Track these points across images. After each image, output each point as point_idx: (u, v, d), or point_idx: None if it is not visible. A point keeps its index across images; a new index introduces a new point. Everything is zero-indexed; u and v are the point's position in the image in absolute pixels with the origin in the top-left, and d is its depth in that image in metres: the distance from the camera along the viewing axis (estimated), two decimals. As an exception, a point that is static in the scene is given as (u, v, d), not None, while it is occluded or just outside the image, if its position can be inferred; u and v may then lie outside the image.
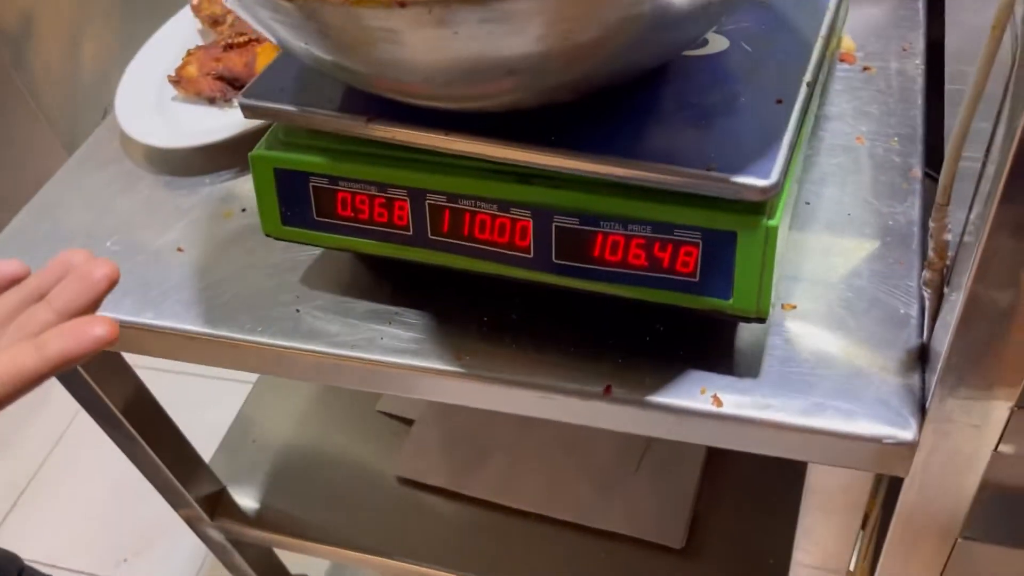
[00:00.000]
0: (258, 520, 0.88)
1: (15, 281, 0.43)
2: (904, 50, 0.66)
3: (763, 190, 0.43)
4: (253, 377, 1.52)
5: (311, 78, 0.52)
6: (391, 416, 0.95)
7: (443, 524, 0.86)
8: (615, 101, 0.47)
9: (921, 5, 0.70)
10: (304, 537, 0.87)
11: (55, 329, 0.39)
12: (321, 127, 0.51)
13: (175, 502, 0.87)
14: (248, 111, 0.52)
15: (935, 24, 0.69)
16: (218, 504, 0.89)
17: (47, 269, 0.43)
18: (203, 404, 1.32)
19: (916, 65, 0.65)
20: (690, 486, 0.83)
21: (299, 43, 0.41)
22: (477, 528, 0.86)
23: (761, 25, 0.51)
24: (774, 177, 0.43)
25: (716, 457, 0.86)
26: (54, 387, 1.60)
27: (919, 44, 0.67)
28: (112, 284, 0.42)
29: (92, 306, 0.41)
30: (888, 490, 0.55)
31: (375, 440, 0.93)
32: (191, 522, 0.89)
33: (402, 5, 0.34)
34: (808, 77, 0.48)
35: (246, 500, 0.89)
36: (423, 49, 0.38)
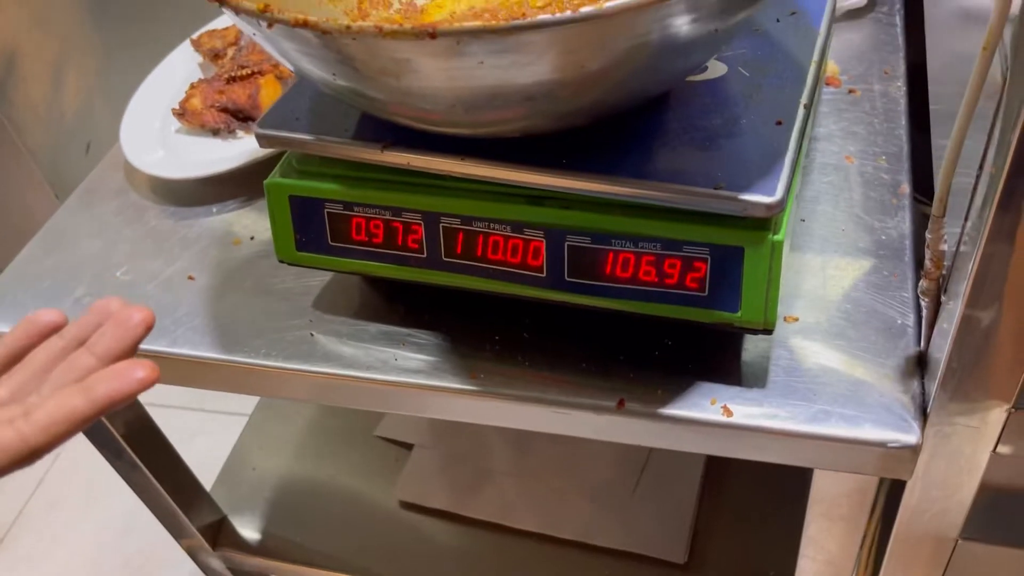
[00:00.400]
0: (260, 548, 0.88)
1: (55, 329, 0.44)
2: (886, 73, 0.69)
3: (769, 207, 0.45)
4: (242, 409, 1.53)
5: (325, 107, 0.54)
6: (390, 441, 0.96)
7: (445, 546, 0.87)
8: (622, 125, 0.49)
9: (899, 31, 0.73)
10: (307, 564, 0.87)
11: (100, 373, 0.40)
12: (337, 155, 0.52)
13: (177, 532, 0.87)
14: (264, 140, 0.54)
15: (912, 47, 0.73)
16: (220, 533, 0.89)
17: (85, 317, 0.44)
18: (192, 436, 1.32)
19: (898, 87, 0.68)
20: (689, 502, 0.85)
21: (325, 74, 0.43)
22: (479, 549, 0.86)
23: (757, 51, 0.54)
24: (779, 194, 0.45)
25: (713, 473, 0.87)
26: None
27: (899, 67, 0.70)
28: (148, 328, 0.43)
29: (131, 350, 0.43)
30: (887, 499, 0.57)
31: (374, 465, 0.94)
32: (192, 552, 0.89)
33: (432, 36, 0.36)
34: (805, 99, 0.50)
35: (247, 529, 0.90)
36: (449, 78, 0.40)
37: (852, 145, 0.64)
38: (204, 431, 1.51)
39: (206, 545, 0.87)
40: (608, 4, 0.36)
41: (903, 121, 0.65)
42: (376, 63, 0.40)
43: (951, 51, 0.62)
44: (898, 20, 0.74)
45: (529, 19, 0.36)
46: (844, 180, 0.62)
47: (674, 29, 0.39)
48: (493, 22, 0.36)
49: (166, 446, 0.81)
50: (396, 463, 0.93)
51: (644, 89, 0.46)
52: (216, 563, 0.89)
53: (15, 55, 1.48)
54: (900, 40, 0.72)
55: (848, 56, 0.71)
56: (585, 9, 0.36)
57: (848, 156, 0.63)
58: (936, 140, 0.60)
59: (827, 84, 0.68)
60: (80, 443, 1.57)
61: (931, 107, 0.62)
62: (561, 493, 0.87)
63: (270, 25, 0.39)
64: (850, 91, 0.68)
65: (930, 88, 0.64)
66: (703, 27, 0.41)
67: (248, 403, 1.51)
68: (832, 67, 0.69)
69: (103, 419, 0.73)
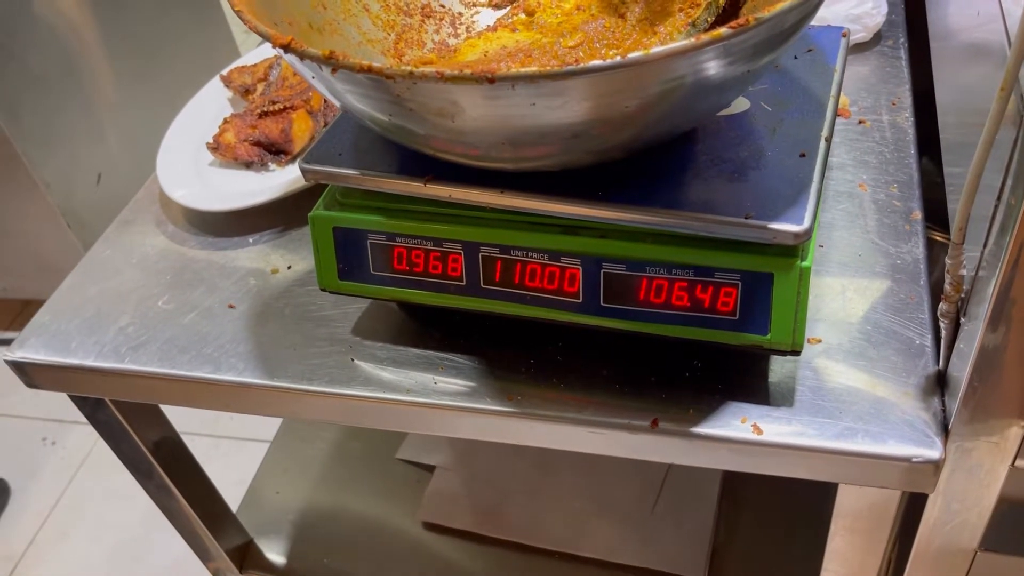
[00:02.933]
0: (286, 571, 0.89)
1: None
2: (893, 104, 0.73)
3: (797, 235, 0.47)
4: (254, 435, 1.54)
5: (367, 142, 0.57)
6: (411, 463, 0.98)
7: (468, 566, 0.89)
8: (655, 158, 0.52)
9: (904, 63, 0.77)
10: (332, 585, 0.89)
11: None
12: (381, 188, 0.55)
13: (204, 555, 0.88)
14: (310, 175, 0.56)
15: (917, 78, 0.76)
16: (246, 556, 0.90)
17: None
18: (206, 462, 1.33)
19: (906, 118, 0.71)
20: (707, 519, 0.87)
21: (381, 114, 0.45)
22: (502, 569, 0.88)
23: (777, 87, 0.57)
24: (806, 223, 0.47)
25: (730, 490, 0.89)
26: (48, 457, 1.60)
27: (906, 98, 0.73)
28: None
29: None
30: (908, 512, 0.59)
31: (396, 487, 0.96)
32: (219, 575, 0.90)
33: (491, 81, 0.39)
34: (825, 132, 0.53)
35: (273, 552, 0.91)
36: (501, 117, 0.42)
37: (865, 173, 0.67)
38: (218, 456, 1.53)
39: (233, 567, 0.88)
40: (654, 49, 0.39)
41: (912, 150, 0.68)
42: (434, 105, 0.42)
43: (959, 84, 0.65)
44: (903, 53, 0.78)
45: (581, 65, 0.39)
46: (859, 207, 0.64)
47: (711, 71, 0.42)
48: (548, 67, 0.39)
49: (197, 469, 0.83)
50: (418, 485, 0.95)
51: (679, 125, 0.49)
52: (242, 586, 0.91)
53: (28, 85, 1.50)
54: (905, 72, 0.76)
55: (857, 88, 0.74)
56: (633, 55, 0.39)
57: (861, 184, 0.66)
58: (948, 168, 0.63)
59: (839, 115, 0.71)
60: (89, 475, 1.59)
61: (941, 136, 0.65)
62: (581, 513, 0.89)
63: (334, 70, 0.42)
64: (860, 121, 0.71)
65: (939, 119, 0.67)
66: (736, 69, 0.44)
67: (259, 429, 1.54)
68: (843, 99, 0.73)
69: (137, 440, 0.75)
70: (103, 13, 1.61)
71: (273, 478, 0.98)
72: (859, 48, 0.78)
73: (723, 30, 0.39)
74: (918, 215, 0.63)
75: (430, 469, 0.97)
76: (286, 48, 0.43)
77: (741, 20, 0.39)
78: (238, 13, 0.46)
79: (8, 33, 1.43)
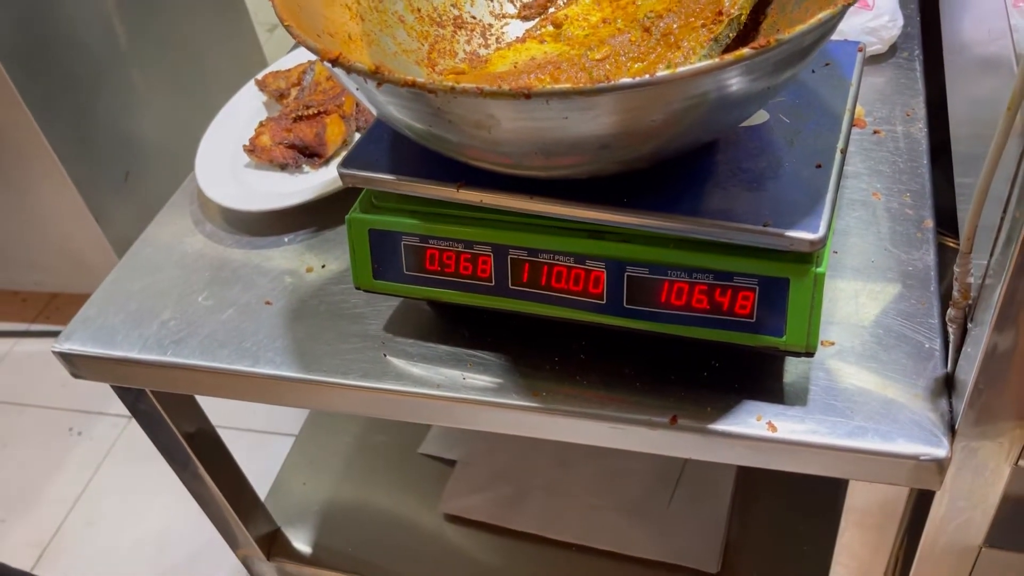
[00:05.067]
0: (312, 559, 0.93)
1: None
2: (908, 115, 0.75)
3: (812, 243, 0.50)
4: (272, 427, 1.57)
5: (401, 149, 0.60)
6: (433, 457, 1.01)
7: (488, 557, 0.92)
8: (677, 166, 0.55)
9: (919, 75, 0.79)
10: (356, 574, 0.91)
11: None
12: (415, 193, 0.58)
13: (233, 542, 0.92)
14: (348, 179, 0.59)
15: (931, 89, 0.78)
16: (274, 544, 0.93)
17: None
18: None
19: (919, 128, 0.74)
20: (721, 514, 0.89)
21: (421, 125, 0.48)
22: (520, 560, 0.91)
23: (795, 99, 0.59)
24: (821, 231, 0.50)
25: (744, 485, 0.92)
26: (75, 447, 1.64)
27: (920, 110, 0.75)
28: None
29: None
30: (916, 509, 0.62)
31: (419, 480, 0.99)
32: (248, 562, 0.94)
33: (527, 97, 0.42)
34: (841, 144, 0.55)
35: (299, 540, 0.94)
36: (535, 129, 0.45)
37: (878, 182, 0.69)
38: (241, 448, 1.56)
39: (261, 554, 0.92)
40: (680, 68, 0.41)
41: (925, 160, 0.71)
42: (472, 118, 0.45)
43: (971, 96, 0.67)
44: (917, 65, 0.80)
45: (611, 83, 0.41)
46: (872, 215, 0.67)
47: (733, 87, 0.45)
48: (580, 84, 0.41)
49: (229, 459, 0.86)
50: (440, 478, 0.98)
51: (702, 136, 0.52)
52: (270, 572, 0.94)
53: (62, 81, 1.54)
54: (920, 84, 0.78)
55: (872, 99, 0.77)
56: (660, 74, 0.41)
57: (875, 193, 0.68)
58: (958, 179, 0.65)
59: (854, 125, 0.74)
60: (115, 465, 1.62)
61: (953, 148, 0.67)
62: (599, 506, 0.92)
63: (380, 84, 0.45)
64: (875, 132, 0.74)
65: (952, 130, 0.69)
66: (758, 85, 0.46)
67: (281, 423, 1.57)
68: (859, 109, 0.75)
69: (174, 430, 0.78)
70: (133, 16, 1.64)
71: (300, 469, 1.01)
72: (875, 59, 0.80)
73: (745, 50, 0.42)
74: (929, 223, 0.66)
75: (451, 463, 1.00)
76: (334, 62, 0.46)
77: (762, 41, 0.42)
78: (287, 27, 0.49)
79: (43, 35, 1.47)
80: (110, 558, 1.46)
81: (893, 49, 0.81)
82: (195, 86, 1.80)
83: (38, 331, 1.84)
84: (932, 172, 0.71)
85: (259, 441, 1.57)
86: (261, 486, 1.00)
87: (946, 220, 0.69)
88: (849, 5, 0.44)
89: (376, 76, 0.44)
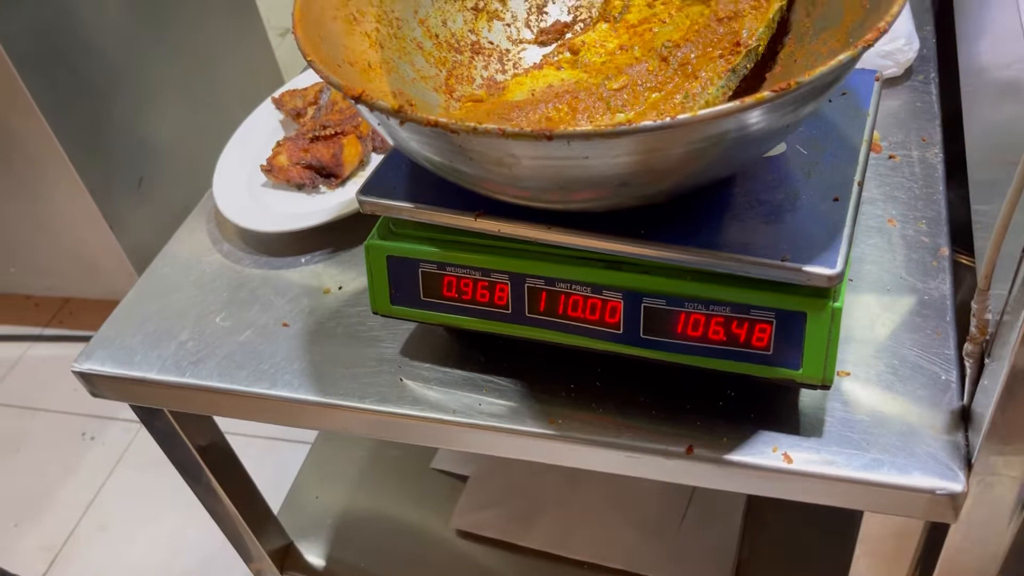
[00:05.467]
0: (325, 573, 0.93)
1: None
2: (923, 140, 0.75)
3: (830, 278, 0.50)
4: (278, 434, 1.58)
5: (420, 177, 0.60)
6: (445, 473, 1.01)
7: (500, 574, 0.92)
8: (695, 198, 0.55)
9: (935, 99, 0.79)
10: (369, 588, 0.92)
11: None
12: (434, 221, 0.58)
13: (247, 556, 0.92)
14: (367, 206, 0.59)
15: (947, 113, 0.78)
16: (287, 558, 0.94)
17: None
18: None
19: (935, 154, 0.74)
20: (733, 534, 0.90)
21: (442, 159, 0.49)
22: (532, 577, 0.91)
23: (812, 130, 0.60)
24: (839, 267, 0.50)
25: (755, 508, 0.92)
26: (87, 452, 1.65)
27: (936, 135, 0.75)
28: None
29: None
30: (931, 539, 0.62)
31: (431, 495, 0.99)
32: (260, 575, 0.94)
33: (549, 139, 0.42)
34: (858, 177, 0.56)
35: (312, 554, 0.95)
36: (555, 167, 0.46)
37: (894, 209, 0.69)
38: (252, 455, 1.57)
39: (274, 568, 0.92)
40: (701, 112, 0.42)
41: (941, 187, 0.71)
42: (493, 156, 0.45)
43: (988, 121, 0.67)
44: (933, 88, 0.80)
45: (632, 125, 0.41)
46: (887, 243, 0.67)
47: (753, 127, 0.45)
48: (602, 127, 0.42)
49: (243, 474, 0.86)
50: (452, 493, 0.98)
51: (721, 173, 0.52)
52: (282, 587, 0.94)
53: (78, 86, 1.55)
54: (936, 108, 0.78)
55: (887, 123, 0.77)
56: (681, 117, 0.42)
57: (890, 219, 0.69)
58: (975, 205, 0.65)
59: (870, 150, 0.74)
60: (127, 470, 1.63)
61: (969, 174, 0.67)
62: (610, 525, 0.92)
63: (402, 123, 0.45)
64: (890, 157, 0.74)
65: (968, 155, 0.69)
66: (777, 123, 0.47)
67: (291, 430, 1.57)
68: (874, 134, 0.75)
69: (189, 446, 0.79)
70: (147, 23, 1.65)
71: (313, 483, 1.02)
72: (890, 83, 0.80)
73: (766, 93, 0.42)
74: (945, 251, 0.66)
75: (463, 479, 1.00)
76: (357, 99, 0.46)
77: (783, 84, 0.42)
78: (310, 63, 0.49)
79: (58, 42, 1.48)
80: (122, 564, 1.47)
81: (909, 72, 0.81)
82: (208, 91, 1.81)
83: (51, 335, 1.85)
84: (947, 186, 0.71)
85: (269, 447, 1.58)
86: (271, 493, 1.01)
87: (960, 236, 0.68)
88: (869, 47, 0.44)
89: (399, 115, 0.45)
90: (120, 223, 1.67)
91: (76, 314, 1.87)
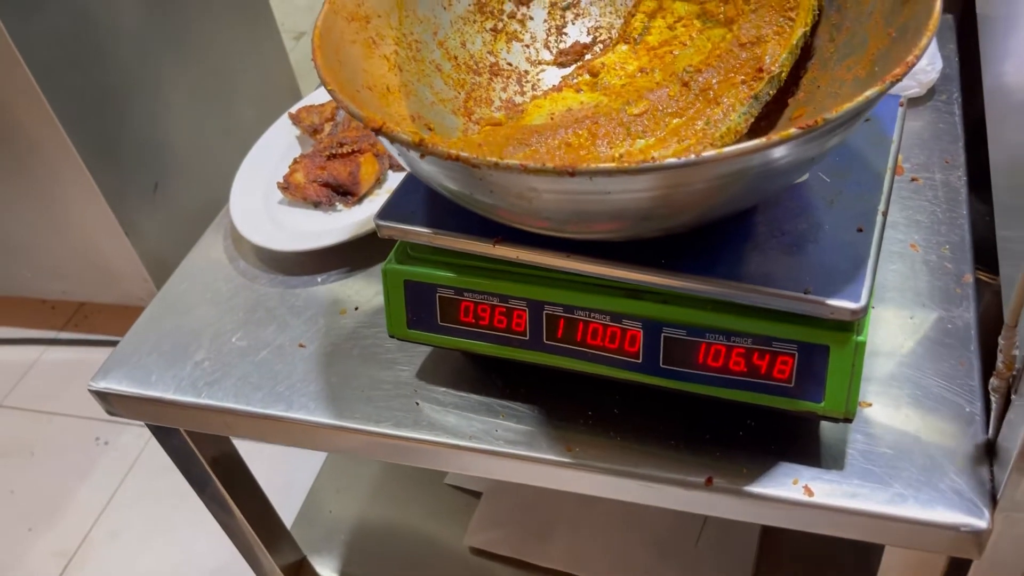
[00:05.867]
0: (338, 588, 0.93)
1: None
2: (947, 162, 0.74)
3: (853, 312, 0.49)
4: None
5: (438, 202, 0.60)
6: (459, 489, 1.01)
7: (513, 592, 0.92)
8: (717, 228, 0.54)
9: (958, 120, 0.78)
10: (382, 605, 0.92)
11: None
12: (452, 247, 0.58)
13: (259, 570, 0.92)
14: (385, 231, 0.59)
15: (970, 133, 0.77)
16: (299, 573, 0.94)
17: None
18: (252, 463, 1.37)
19: (959, 176, 0.73)
20: (749, 552, 0.89)
21: (462, 189, 0.48)
22: (546, 596, 0.91)
23: (836, 157, 0.59)
24: (863, 300, 0.49)
25: (773, 528, 0.91)
26: (101, 456, 1.65)
27: (959, 157, 0.74)
28: None
29: None
30: (952, 572, 0.61)
31: (444, 511, 0.99)
32: (273, 590, 0.94)
33: (572, 175, 0.41)
34: (882, 207, 0.55)
35: (325, 569, 0.95)
36: (576, 202, 0.45)
37: (916, 233, 0.68)
38: (263, 458, 1.57)
39: (287, 584, 0.92)
40: (727, 148, 0.41)
41: (964, 211, 0.70)
42: (514, 189, 0.45)
43: (1014, 144, 0.66)
44: (956, 109, 0.79)
45: (656, 162, 0.41)
46: (910, 269, 0.66)
47: (779, 161, 0.45)
48: (625, 163, 0.41)
49: (255, 487, 0.86)
50: (465, 510, 0.98)
51: (744, 205, 0.52)
52: (295, 601, 0.94)
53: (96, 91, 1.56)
54: (959, 129, 0.77)
55: (910, 144, 0.76)
56: (706, 154, 0.41)
57: (913, 244, 0.68)
58: (1000, 231, 0.64)
59: (891, 172, 0.73)
60: (141, 475, 1.63)
61: (995, 197, 0.66)
62: (626, 543, 0.92)
63: (423, 156, 0.45)
64: (913, 179, 0.73)
65: (992, 178, 0.68)
66: (803, 156, 0.46)
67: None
68: (896, 156, 0.74)
69: (204, 464, 0.78)
70: (163, 29, 1.66)
71: (326, 497, 1.02)
72: (913, 103, 0.79)
73: (792, 130, 0.41)
74: (969, 278, 0.65)
75: (477, 495, 1.00)
76: (378, 131, 0.46)
77: (809, 121, 0.42)
78: (331, 92, 0.49)
79: (75, 48, 1.49)
80: (134, 569, 1.47)
81: (931, 92, 0.80)
82: (223, 96, 1.81)
83: (66, 339, 1.86)
84: (969, 200, 0.70)
85: (282, 454, 1.58)
86: (282, 501, 1.01)
87: (982, 254, 0.67)
88: (897, 81, 0.44)
89: (420, 148, 0.44)
90: (135, 229, 1.67)
91: (91, 318, 1.88)
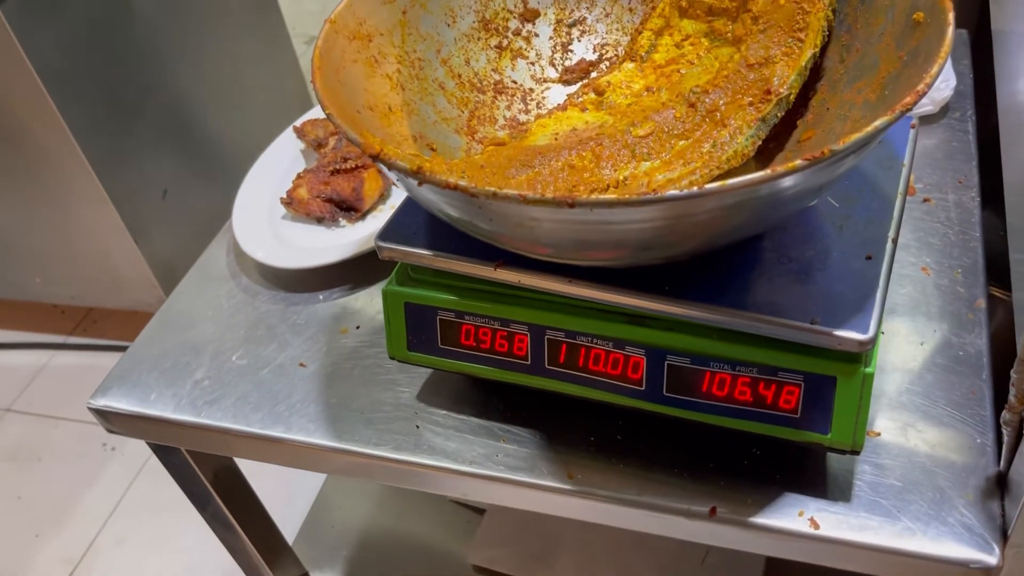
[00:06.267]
0: (340, 605, 0.92)
1: None
2: (960, 182, 0.72)
3: (861, 343, 0.48)
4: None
5: (439, 224, 0.59)
6: (463, 505, 1.00)
7: (516, 610, 0.91)
8: (722, 253, 0.53)
9: (971, 138, 0.76)
10: (384, 622, 0.91)
11: None
12: (453, 269, 0.57)
13: (261, 587, 0.91)
14: (386, 253, 0.58)
15: (984, 153, 0.76)
16: (302, 589, 0.93)
17: None
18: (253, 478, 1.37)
19: (972, 197, 0.71)
20: (755, 574, 0.88)
21: (463, 216, 0.47)
22: (549, 615, 0.90)
23: (845, 181, 0.57)
24: (871, 332, 0.48)
25: (779, 549, 0.90)
26: (108, 463, 1.65)
27: (973, 177, 0.73)
28: None
29: None
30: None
31: (448, 528, 0.98)
32: (275, 606, 0.93)
33: (571, 206, 0.41)
34: (892, 234, 0.54)
35: (328, 585, 0.94)
36: (577, 232, 0.44)
37: (928, 256, 0.67)
38: (266, 472, 1.57)
39: (289, 600, 0.91)
40: (731, 181, 0.40)
41: (977, 233, 0.68)
42: (514, 219, 0.44)
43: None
44: (970, 127, 0.77)
45: (658, 195, 0.40)
46: (921, 293, 0.65)
47: (786, 191, 0.43)
48: (626, 195, 0.40)
49: (257, 505, 0.85)
50: (468, 526, 0.97)
51: (749, 233, 0.50)
52: (297, 617, 0.93)
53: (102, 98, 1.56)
54: (973, 148, 0.75)
55: (922, 163, 0.75)
56: (710, 186, 0.40)
57: (924, 268, 0.66)
58: (1014, 254, 0.63)
59: (903, 192, 0.72)
60: (147, 482, 1.62)
61: (1008, 219, 0.65)
62: (630, 564, 0.91)
63: (420, 183, 0.44)
64: (925, 199, 0.72)
65: (1007, 199, 0.66)
66: (810, 184, 0.45)
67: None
68: (908, 176, 0.73)
69: (205, 482, 0.78)
70: (173, 37, 1.66)
71: (329, 513, 1.01)
72: (926, 120, 0.78)
73: (799, 162, 0.40)
74: (982, 303, 0.63)
75: (480, 511, 0.99)
76: (375, 157, 0.45)
77: (816, 152, 0.40)
78: (329, 116, 0.48)
79: (85, 55, 1.49)
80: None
81: (945, 109, 0.79)
82: (233, 103, 1.81)
83: (75, 344, 1.86)
84: (983, 221, 0.68)
85: (283, 467, 1.57)
86: (285, 515, 1.00)
87: (996, 269, 0.66)
88: (908, 111, 0.42)
89: (417, 175, 0.43)
90: (144, 235, 1.67)
91: (100, 322, 1.88)
